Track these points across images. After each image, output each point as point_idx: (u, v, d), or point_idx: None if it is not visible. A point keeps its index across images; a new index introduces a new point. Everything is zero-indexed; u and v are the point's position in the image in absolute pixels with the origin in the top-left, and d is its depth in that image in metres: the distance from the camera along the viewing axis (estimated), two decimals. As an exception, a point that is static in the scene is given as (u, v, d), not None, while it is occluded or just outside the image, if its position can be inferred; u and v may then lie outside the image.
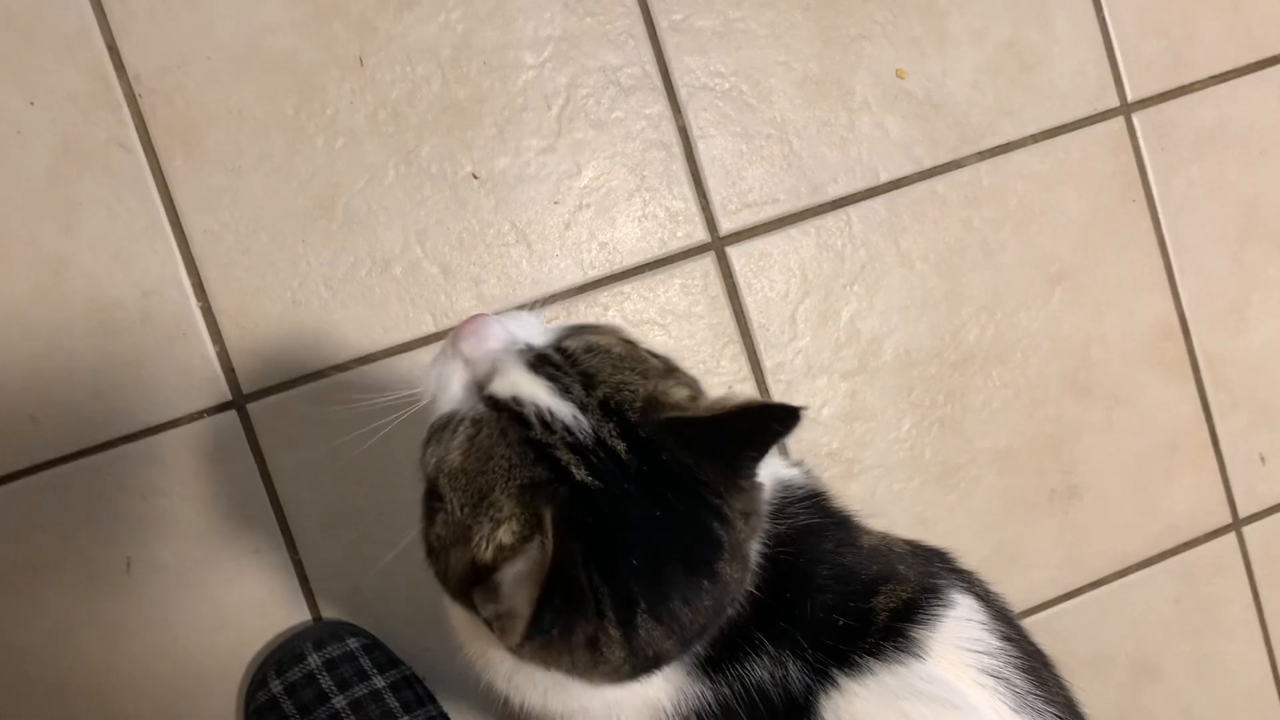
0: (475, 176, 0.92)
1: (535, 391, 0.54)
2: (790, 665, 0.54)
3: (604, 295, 0.95)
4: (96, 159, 0.87)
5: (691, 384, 0.58)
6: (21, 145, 0.86)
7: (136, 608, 0.88)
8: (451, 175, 0.92)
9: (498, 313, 0.61)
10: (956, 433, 1.01)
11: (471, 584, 0.51)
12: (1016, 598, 1.03)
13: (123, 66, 0.88)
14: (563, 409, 0.53)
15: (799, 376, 0.98)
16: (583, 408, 0.53)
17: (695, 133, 0.96)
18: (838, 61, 0.99)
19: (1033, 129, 1.02)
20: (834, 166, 0.98)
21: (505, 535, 0.51)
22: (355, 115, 0.91)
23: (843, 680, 0.53)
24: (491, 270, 0.92)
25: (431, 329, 0.91)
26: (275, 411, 0.90)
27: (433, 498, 0.55)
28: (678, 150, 0.96)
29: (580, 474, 0.51)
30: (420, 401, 0.59)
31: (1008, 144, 1.02)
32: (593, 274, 0.94)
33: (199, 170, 0.89)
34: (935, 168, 1.00)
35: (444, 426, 0.56)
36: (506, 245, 0.93)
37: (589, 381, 0.54)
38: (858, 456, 0.99)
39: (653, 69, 0.96)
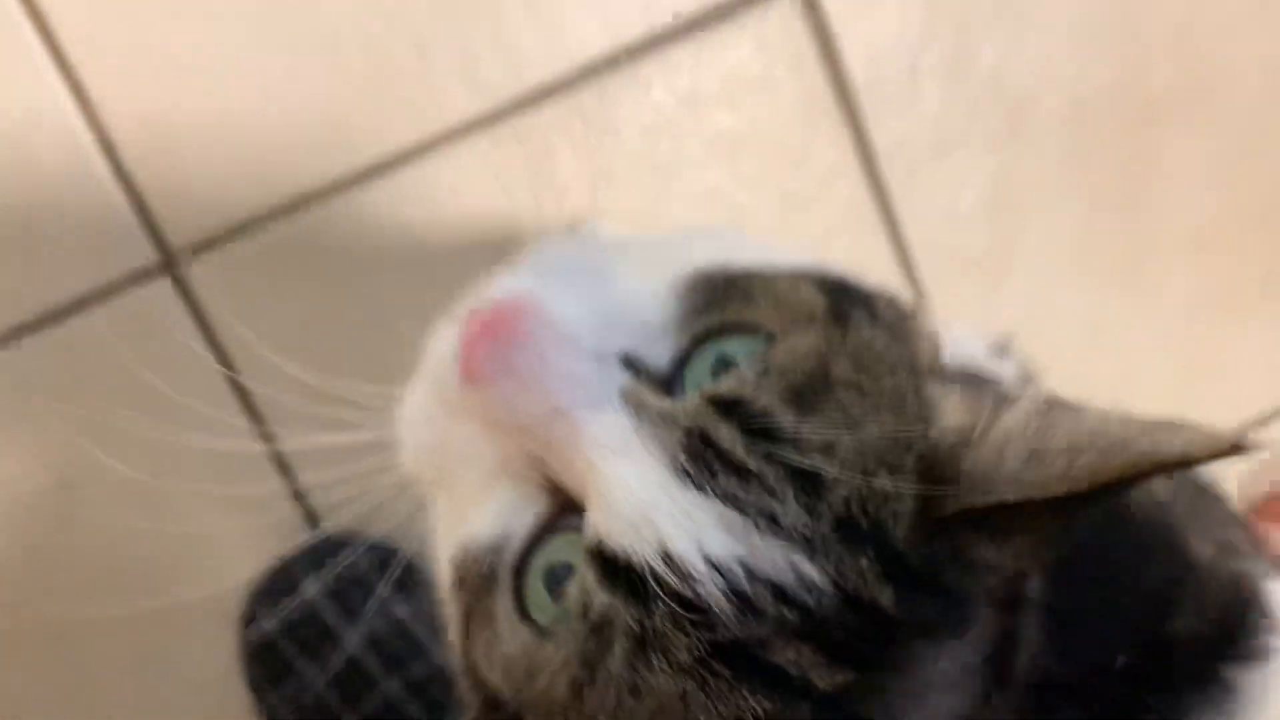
0: (442, -93, 0.64)
1: (704, 534, 0.27)
2: None
3: (646, 67, 0.67)
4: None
5: (971, 387, 0.30)
6: None
7: (85, 534, 0.69)
8: (408, -92, 0.64)
9: (534, 269, 0.33)
10: (1141, 210, 0.74)
11: None
12: (1218, 419, 0.79)
13: None
14: (773, 562, 0.26)
15: (925, 156, 0.70)
16: (807, 545, 0.27)
17: None
18: None
19: None
20: None
21: None
22: None
23: None
24: (483, 45, 0.65)
25: (411, 140, 0.66)
26: (218, 271, 0.67)
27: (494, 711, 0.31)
28: None
29: (825, 681, 0.26)
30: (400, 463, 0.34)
31: None
32: (626, 36, 0.67)
33: (54, -59, 0.62)
34: None
35: (486, 581, 0.31)
36: (499, 5, 0.65)
37: (812, 484, 0.27)
38: (1008, 257, 0.73)
39: None
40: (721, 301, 0.32)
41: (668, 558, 0.26)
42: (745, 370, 0.29)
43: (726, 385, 0.29)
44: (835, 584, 0.26)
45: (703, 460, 0.27)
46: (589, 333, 0.30)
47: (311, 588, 0.66)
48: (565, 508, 0.30)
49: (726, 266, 0.33)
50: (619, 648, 0.27)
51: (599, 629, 0.27)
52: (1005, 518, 0.27)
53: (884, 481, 0.27)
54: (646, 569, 0.26)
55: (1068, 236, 0.74)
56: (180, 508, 0.69)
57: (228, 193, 0.66)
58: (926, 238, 0.71)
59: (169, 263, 0.66)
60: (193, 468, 0.69)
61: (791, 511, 0.27)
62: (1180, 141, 0.73)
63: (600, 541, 0.27)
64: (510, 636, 0.30)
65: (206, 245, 0.66)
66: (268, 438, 0.68)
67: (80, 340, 0.67)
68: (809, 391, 0.28)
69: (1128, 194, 0.74)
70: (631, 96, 0.68)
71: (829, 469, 0.27)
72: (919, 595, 0.27)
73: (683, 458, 0.27)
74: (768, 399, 0.28)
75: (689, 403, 0.29)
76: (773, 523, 0.27)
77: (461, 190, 0.67)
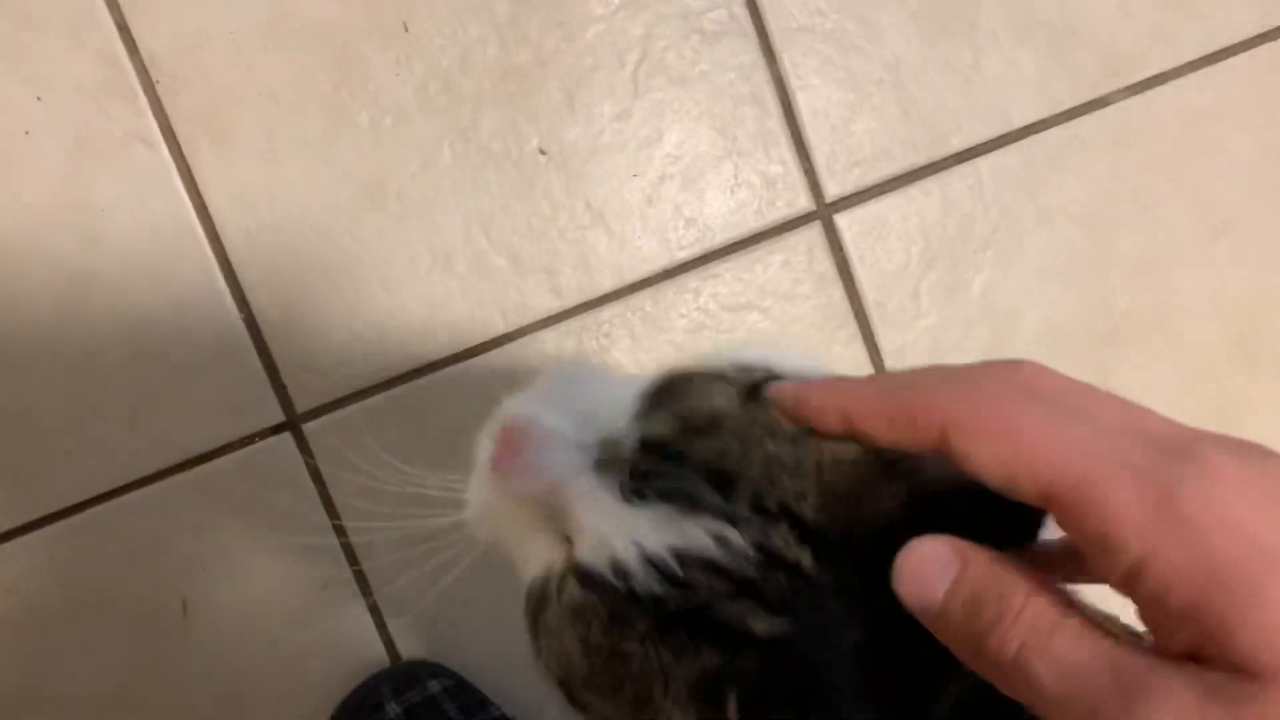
0: (543, 152, 0.79)
1: (643, 536, 0.37)
2: None
3: (694, 279, 0.82)
4: (115, 157, 0.77)
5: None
6: (30, 147, 0.76)
7: (196, 653, 0.80)
8: (516, 152, 0.79)
9: (539, 394, 0.45)
10: (1106, 414, 0.88)
11: None
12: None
13: (136, 48, 0.77)
14: (696, 537, 0.36)
15: (924, 361, 0.85)
16: (727, 518, 0.36)
17: (793, 83, 0.83)
18: (957, -12, 0.84)
19: (1191, 55, 0.86)
20: (958, 113, 0.84)
21: None
22: (402, 89, 0.79)
23: None
24: (566, 258, 0.81)
25: (501, 329, 0.80)
26: (333, 431, 0.80)
27: (575, 703, 0.41)
28: (773, 105, 0.83)
29: (762, 624, 0.35)
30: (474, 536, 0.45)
31: (1161, 74, 0.86)
32: (681, 255, 0.82)
33: (230, 162, 0.78)
34: (1076, 108, 0.85)
35: (541, 602, 0.41)
36: (582, 228, 0.81)
37: (720, 479, 0.37)
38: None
39: (741, 10, 0.82)
40: (670, 391, 0.42)
41: (620, 571, 0.37)
42: (658, 420, 0.40)
43: (643, 432, 0.40)
44: (759, 547, 0.36)
45: (641, 481, 0.38)
46: (572, 432, 0.41)
47: (391, 708, 0.76)
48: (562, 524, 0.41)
49: (682, 368, 0.43)
50: (596, 624, 0.37)
51: (580, 613, 0.38)
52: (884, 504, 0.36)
53: (785, 473, 0.37)
54: (613, 578, 0.37)
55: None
56: (281, 631, 0.80)
57: (346, 364, 0.80)
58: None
59: (292, 421, 0.80)
60: (295, 598, 0.81)
61: (708, 498, 0.37)
62: (1136, 360, 0.88)
63: (583, 567, 0.38)
64: (558, 633, 0.40)
65: (326, 408, 0.80)
66: (359, 570, 0.79)
67: (211, 482, 0.79)
68: (703, 429, 0.39)
69: (1096, 399, 0.87)
70: (681, 300, 0.83)
71: (731, 460, 0.37)
72: (834, 557, 0.35)
73: (629, 484, 0.38)
74: (669, 435, 0.39)
75: (627, 448, 0.39)
76: (694, 506, 0.36)
77: (540, 372, 0.80)
